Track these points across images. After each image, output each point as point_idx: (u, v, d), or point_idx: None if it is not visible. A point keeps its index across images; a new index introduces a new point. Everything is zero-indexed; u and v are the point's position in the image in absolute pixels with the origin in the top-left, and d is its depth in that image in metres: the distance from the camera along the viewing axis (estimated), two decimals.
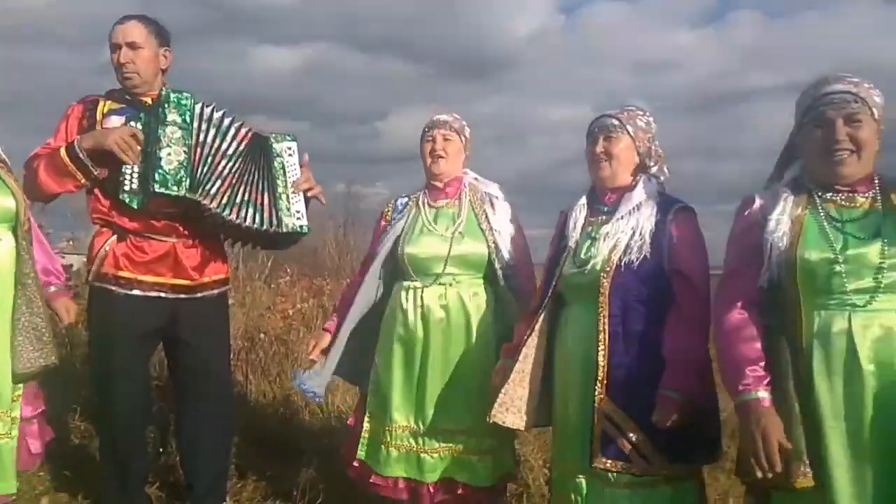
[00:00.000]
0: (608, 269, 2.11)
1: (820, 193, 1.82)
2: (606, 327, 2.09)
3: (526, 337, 2.27)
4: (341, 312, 2.69)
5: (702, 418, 2.07)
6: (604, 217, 2.24)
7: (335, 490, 3.00)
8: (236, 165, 2.56)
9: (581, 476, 2.16)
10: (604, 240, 2.16)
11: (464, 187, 2.66)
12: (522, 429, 2.34)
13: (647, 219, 2.14)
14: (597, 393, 2.07)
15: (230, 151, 2.56)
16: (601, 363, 2.08)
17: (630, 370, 2.07)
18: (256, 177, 2.61)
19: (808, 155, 1.84)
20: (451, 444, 2.52)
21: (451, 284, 2.55)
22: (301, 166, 2.68)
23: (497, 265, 2.53)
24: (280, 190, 2.62)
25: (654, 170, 2.29)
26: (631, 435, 2.04)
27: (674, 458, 2.04)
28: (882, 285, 1.69)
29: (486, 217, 2.59)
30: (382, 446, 2.57)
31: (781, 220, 1.81)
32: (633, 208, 2.17)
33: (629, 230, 2.14)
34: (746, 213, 1.91)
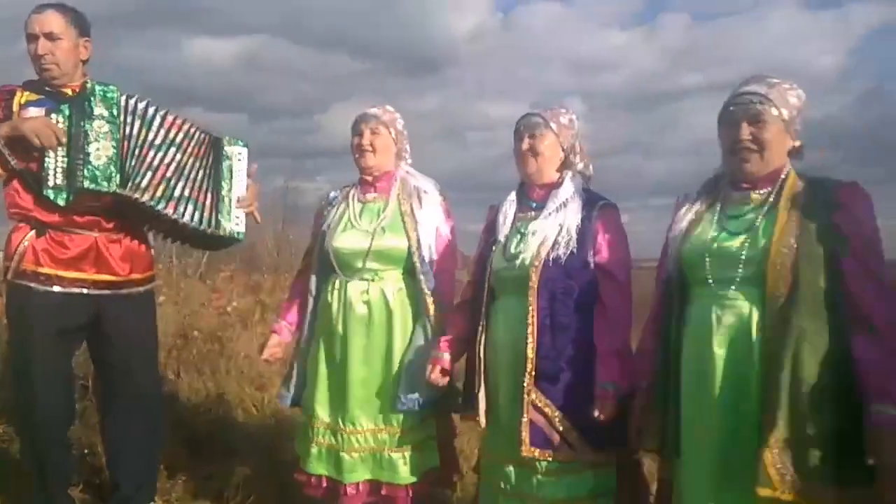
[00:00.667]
0: (537, 263, 2.17)
1: (727, 190, 1.94)
2: (535, 320, 2.15)
3: (480, 335, 2.30)
4: (297, 313, 2.71)
5: (625, 407, 2.14)
6: (532, 213, 2.30)
7: (270, 489, 2.97)
8: (168, 156, 2.50)
9: (510, 465, 2.22)
10: (532, 235, 2.22)
11: (395, 181, 2.65)
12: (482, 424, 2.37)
13: (573, 215, 2.21)
14: (525, 383, 2.13)
15: (157, 141, 2.49)
16: (530, 355, 2.14)
17: (557, 361, 2.14)
18: (201, 175, 2.56)
19: (721, 153, 1.94)
20: (371, 444, 2.52)
21: (373, 280, 2.55)
22: (248, 176, 2.66)
23: (416, 260, 2.52)
24: (224, 192, 2.60)
25: (579, 167, 2.35)
26: (558, 424, 2.12)
27: (597, 445, 2.13)
28: (740, 277, 1.80)
29: (412, 211, 2.58)
30: (308, 443, 2.58)
31: (684, 217, 1.95)
32: (560, 205, 2.23)
33: (556, 226, 2.20)
34: (673, 212, 2.05)
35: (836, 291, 1.71)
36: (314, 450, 2.56)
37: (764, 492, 1.66)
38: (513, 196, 2.38)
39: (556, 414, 2.12)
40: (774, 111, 1.81)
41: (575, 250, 2.16)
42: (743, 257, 1.80)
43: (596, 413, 2.07)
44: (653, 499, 2.18)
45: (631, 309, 2.19)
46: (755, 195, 1.88)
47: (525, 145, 2.29)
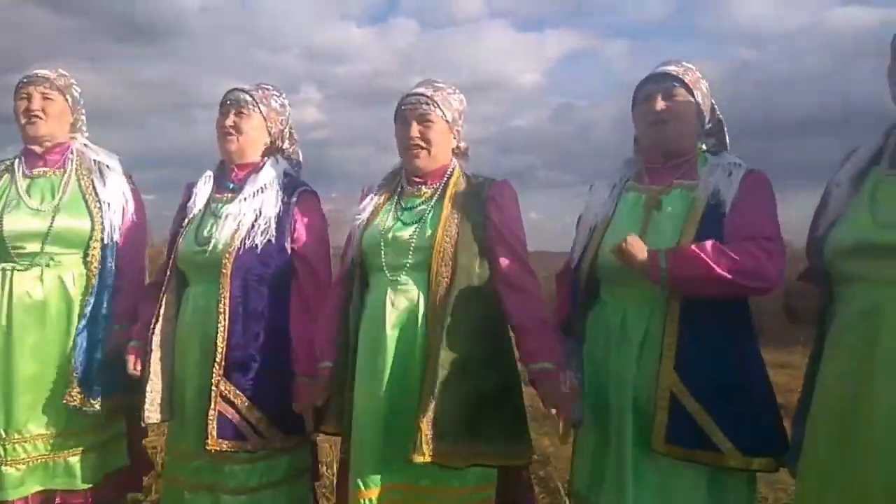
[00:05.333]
0: (230, 249, 2.09)
1: (403, 184, 2.08)
2: (227, 308, 2.07)
3: (153, 324, 2.15)
4: None
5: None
6: (229, 195, 2.20)
7: None
8: None
9: (198, 459, 2.13)
10: (226, 219, 2.13)
11: (70, 154, 2.37)
12: (164, 421, 2.20)
13: (271, 201, 2.16)
14: (215, 374, 2.05)
15: None
16: (220, 344, 2.06)
17: (248, 350, 2.08)
18: None
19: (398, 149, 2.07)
20: (42, 451, 2.25)
21: (49, 265, 2.27)
22: None
23: (103, 243, 2.30)
24: None
25: (288, 152, 2.32)
26: (247, 414, 2.06)
27: (289, 431, 2.13)
28: (409, 264, 1.95)
29: (94, 188, 2.34)
30: None
31: (366, 208, 2.07)
32: (259, 189, 2.17)
33: (253, 211, 2.13)
34: (358, 202, 2.14)
35: (491, 273, 1.93)
36: None
37: (417, 459, 1.79)
38: (209, 173, 2.26)
39: (246, 404, 2.06)
40: (439, 112, 1.98)
41: (273, 237, 2.12)
42: (412, 246, 1.94)
43: (294, 406, 2.07)
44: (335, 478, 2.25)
45: (325, 294, 2.19)
46: (425, 189, 2.03)
47: (229, 121, 2.18)
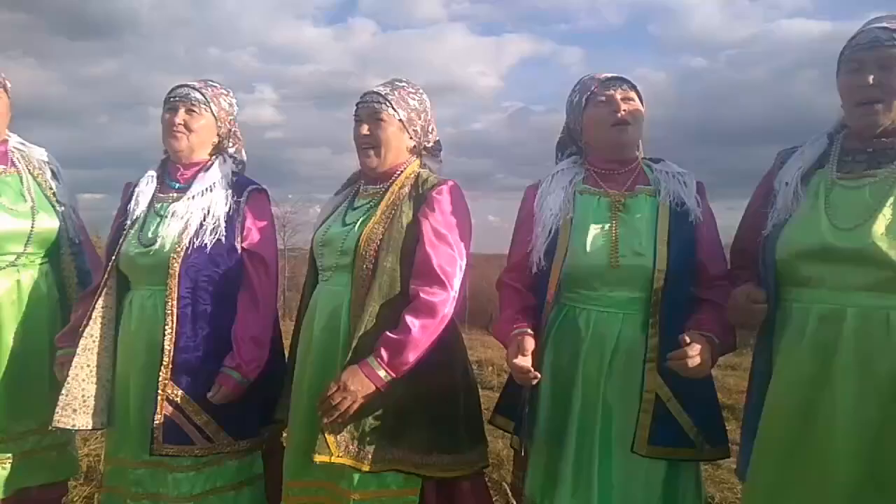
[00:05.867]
0: (178, 250, 2.02)
1: (361, 184, 2.06)
2: (175, 310, 2.00)
3: (83, 326, 2.06)
4: None
5: (268, 392, 2.13)
6: (175, 194, 2.14)
7: None
8: None
9: (141, 467, 2.06)
10: (172, 218, 2.07)
11: (11, 152, 2.30)
12: (96, 428, 2.12)
13: (220, 200, 2.10)
14: (161, 377, 1.98)
15: None
16: (167, 347, 1.99)
17: (196, 353, 2.02)
18: None
19: None
20: (22, 449, 2.22)
21: (25, 265, 2.23)
22: None
23: (67, 242, 2.29)
24: None
25: (231, 150, 2.26)
26: (195, 417, 2.01)
27: (239, 435, 2.07)
28: (337, 264, 1.94)
29: (52, 188, 2.31)
30: None
31: (326, 208, 2.08)
32: (207, 189, 2.11)
33: (201, 211, 2.07)
34: None
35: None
36: None
37: (320, 458, 1.78)
38: (152, 173, 2.19)
39: (194, 408, 2.00)
40: (391, 111, 1.93)
41: (223, 237, 2.05)
42: (341, 247, 1.92)
43: (209, 395, 2.00)
44: None
45: (275, 294, 2.17)
46: (373, 189, 2.00)
47: (179, 119, 2.11)
